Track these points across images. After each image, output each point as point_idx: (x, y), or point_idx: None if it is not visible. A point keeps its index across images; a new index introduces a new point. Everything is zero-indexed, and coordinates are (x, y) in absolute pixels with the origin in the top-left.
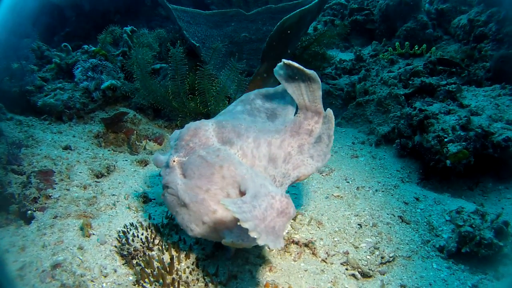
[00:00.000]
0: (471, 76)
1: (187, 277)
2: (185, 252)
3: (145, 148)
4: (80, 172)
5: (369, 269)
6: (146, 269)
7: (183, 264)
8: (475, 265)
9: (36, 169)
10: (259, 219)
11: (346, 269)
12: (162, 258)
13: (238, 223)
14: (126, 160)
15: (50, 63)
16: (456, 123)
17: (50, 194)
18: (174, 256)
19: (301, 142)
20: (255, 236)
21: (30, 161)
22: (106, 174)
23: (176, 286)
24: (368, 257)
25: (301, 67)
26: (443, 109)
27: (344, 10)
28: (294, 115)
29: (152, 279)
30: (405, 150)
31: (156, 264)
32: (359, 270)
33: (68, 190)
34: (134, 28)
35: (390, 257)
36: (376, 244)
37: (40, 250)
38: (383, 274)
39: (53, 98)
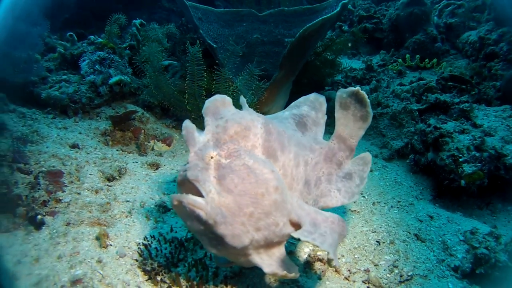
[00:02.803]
0: (481, 95)
1: None
2: (213, 270)
3: (153, 149)
4: (90, 174)
5: None
6: (173, 287)
7: (211, 282)
8: (487, 285)
9: (44, 169)
10: (331, 244)
11: (368, 287)
12: (190, 276)
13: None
14: (136, 162)
15: (52, 52)
16: (470, 143)
17: (61, 198)
18: (203, 275)
19: (331, 171)
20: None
21: (37, 160)
22: (117, 177)
23: None
24: (388, 275)
25: (368, 103)
26: (457, 128)
27: (352, 16)
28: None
29: None
30: (418, 166)
31: (183, 282)
32: None
33: (79, 194)
34: (144, 22)
35: (408, 275)
36: (395, 262)
37: (56, 262)
38: None
39: (58, 91)
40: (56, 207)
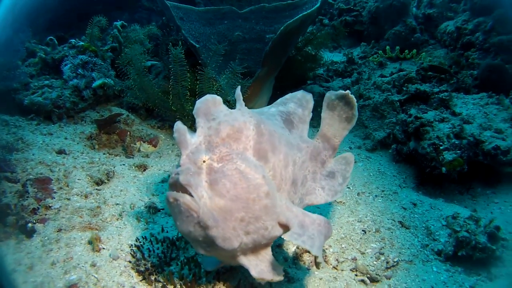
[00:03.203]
0: (459, 83)
1: None
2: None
3: (139, 150)
4: (78, 179)
5: (377, 274)
6: (167, 286)
7: (204, 279)
8: (469, 267)
9: (31, 176)
10: (319, 247)
11: (356, 275)
12: (183, 274)
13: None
14: (123, 165)
15: (32, 56)
16: (450, 131)
17: (50, 205)
18: (195, 272)
19: (316, 169)
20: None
21: (23, 168)
22: (106, 181)
23: None
24: (374, 262)
25: (356, 106)
26: (437, 117)
27: (331, 9)
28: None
29: None
30: (401, 155)
31: (176, 280)
32: (368, 275)
33: (68, 199)
34: (125, 23)
35: (394, 261)
36: (381, 249)
37: (50, 269)
38: (389, 279)
39: (41, 97)
40: (46, 214)
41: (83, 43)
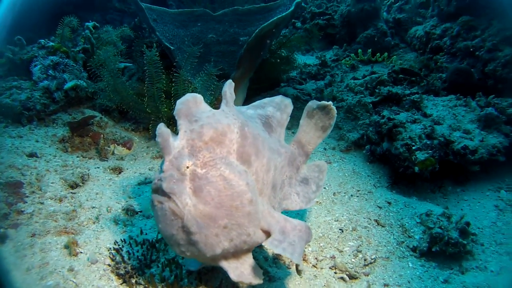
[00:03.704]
0: (429, 86)
1: None
2: (186, 268)
3: (113, 153)
4: (52, 183)
5: (355, 272)
6: None
7: (186, 280)
8: (442, 262)
9: (1, 180)
10: (300, 254)
11: (335, 273)
12: (164, 276)
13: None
14: (98, 168)
15: None
16: (422, 132)
17: (22, 209)
18: (177, 273)
19: (292, 174)
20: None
21: None
22: (81, 184)
23: None
24: (352, 260)
25: (335, 117)
26: (409, 118)
27: (304, 12)
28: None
29: None
30: (374, 156)
31: (158, 282)
32: (347, 273)
33: (42, 203)
34: (97, 24)
35: (371, 259)
36: (358, 247)
37: (25, 275)
38: (367, 275)
39: (9, 98)
40: (18, 219)
41: (53, 44)
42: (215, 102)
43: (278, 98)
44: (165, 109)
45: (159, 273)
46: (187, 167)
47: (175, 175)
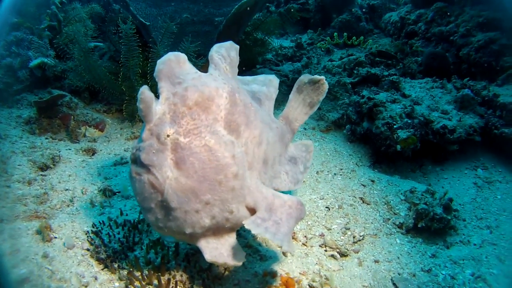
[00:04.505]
0: (405, 69)
1: (181, 276)
2: (172, 249)
3: (85, 135)
4: (19, 165)
5: (346, 249)
6: (134, 272)
7: (173, 262)
8: (427, 237)
9: None
10: (286, 233)
11: (325, 251)
12: (149, 258)
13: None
14: (70, 149)
15: None
16: (402, 111)
17: None
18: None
19: (281, 151)
20: (285, 250)
21: None
22: (51, 166)
23: (173, 286)
24: (342, 237)
25: (324, 94)
26: (389, 98)
27: None
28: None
29: (144, 282)
30: (355, 135)
31: (143, 265)
32: (338, 250)
33: (8, 187)
34: (64, 0)
35: (360, 236)
36: (346, 224)
37: None
38: (357, 252)
39: None
40: None
41: (15, 19)
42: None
43: (261, 76)
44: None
45: (144, 256)
46: (168, 136)
47: (155, 144)
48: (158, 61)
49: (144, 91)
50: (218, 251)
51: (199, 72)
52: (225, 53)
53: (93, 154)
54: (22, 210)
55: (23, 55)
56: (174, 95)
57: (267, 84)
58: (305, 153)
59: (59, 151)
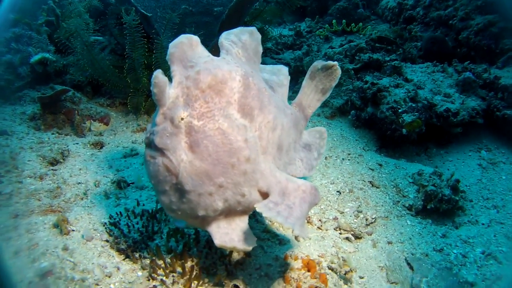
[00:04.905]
0: (406, 54)
1: (204, 262)
2: (193, 237)
3: (90, 130)
4: (29, 161)
5: (360, 231)
6: (156, 261)
7: (195, 249)
8: (436, 219)
9: None
10: (299, 217)
11: (340, 233)
12: (171, 246)
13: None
14: (77, 144)
15: None
16: (406, 96)
17: None
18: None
19: (296, 138)
20: (297, 234)
21: None
22: (61, 160)
23: (197, 273)
24: (355, 220)
25: (337, 80)
26: (392, 82)
27: None
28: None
29: (167, 270)
30: (360, 121)
31: (165, 254)
32: (352, 232)
33: (20, 182)
34: None
35: (372, 218)
36: (358, 208)
37: (14, 258)
38: (370, 234)
39: None
40: None
41: (12, 16)
42: None
43: (269, 66)
44: (145, 80)
45: (164, 244)
46: (182, 119)
47: (169, 128)
48: (170, 44)
49: (158, 75)
50: (229, 236)
51: (211, 55)
52: (235, 38)
53: (101, 148)
54: (37, 204)
55: (23, 51)
56: (187, 79)
57: (276, 73)
58: (318, 139)
59: (67, 146)
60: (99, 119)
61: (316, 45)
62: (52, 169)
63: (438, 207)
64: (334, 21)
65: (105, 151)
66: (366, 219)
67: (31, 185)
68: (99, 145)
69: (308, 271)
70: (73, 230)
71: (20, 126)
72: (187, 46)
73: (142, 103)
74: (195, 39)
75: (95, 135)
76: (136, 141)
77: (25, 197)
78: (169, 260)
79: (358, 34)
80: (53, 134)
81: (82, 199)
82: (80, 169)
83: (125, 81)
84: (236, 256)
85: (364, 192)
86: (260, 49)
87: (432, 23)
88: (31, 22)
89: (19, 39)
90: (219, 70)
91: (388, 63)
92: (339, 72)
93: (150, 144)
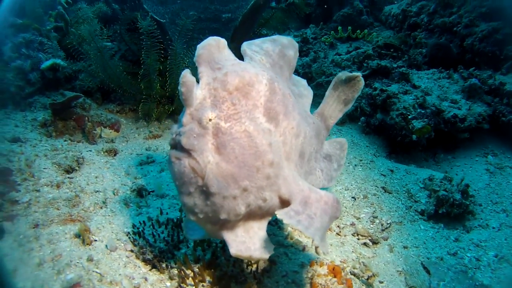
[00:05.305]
0: (411, 61)
1: (232, 271)
2: (220, 245)
3: (101, 136)
4: (44, 168)
5: (376, 237)
6: (185, 271)
7: (222, 258)
8: (447, 223)
9: None
10: (319, 229)
11: (358, 239)
12: (198, 256)
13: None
14: (90, 151)
15: None
16: (414, 102)
17: (17, 199)
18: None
19: (318, 148)
20: (317, 245)
21: None
22: (77, 168)
23: (227, 281)
24: (371, 225)
25: (359, 91)
26: (401, 89)
27: None
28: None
29: (197, 280)
30: (370, 127)
31: (192, 263)
32: (370, 238)
33: (38, 191)
34: (70, 0)
35: (387, 223)
36: (373, 213)
37: (38, 270)
38: (386, 240)
39: None
40: (13, 210)
41: (21, 20)
42: None
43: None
44: (158, 87)
45: (191, 253)
46: (210, 120)
47: (196, 129)
48: (198, 46)
49: (186, 74)
50: (245, 244)
51: (237, 59)
52: (256, 48)
53: (115, 155)
54: (56, 214)
55: (34, 56)
56: (214, 80)
57: (295, 84)
58: (339, 150)
59: (81, 153)
60: (109, 126)
61: (323, 52)
62: (68, 177)
63: (450, 212)
64: (339, 27)
65: (119, 158)
66: (382, 224)
67: (49, 194)
68: (113, 152)
69: (334, 277)
70: (95, 240)
71: (32, 133)
72: (214, 48)
73: (154, 110)
74: (223, 41)
75: (106, 142)
76: (150, 148)
77: (43, 206)
78: (197, 269)
79: (362, 40)
80: (65, 141)
81: (101, 208)
82: (96, 177)
83: (138, 87)
84: (262, 263)
85: (378, 197)
86: (289, 55)
87: (437, 30)
88: (40, 27)
89: (29, 45)
90: (247, 73)
91: (396, 70)
92: (362, 83)
93: (175, 145)
